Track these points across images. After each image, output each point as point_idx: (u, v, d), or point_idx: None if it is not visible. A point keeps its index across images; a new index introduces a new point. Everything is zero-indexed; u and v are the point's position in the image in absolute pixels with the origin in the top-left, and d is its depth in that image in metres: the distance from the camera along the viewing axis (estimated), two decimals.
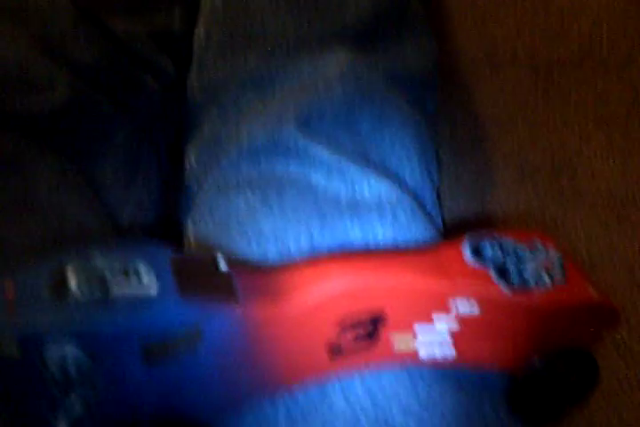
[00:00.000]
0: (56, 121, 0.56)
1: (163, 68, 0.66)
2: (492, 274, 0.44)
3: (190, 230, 0.54)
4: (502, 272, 0.44)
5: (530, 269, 0.45)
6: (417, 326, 0.43)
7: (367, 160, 0.56)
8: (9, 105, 0.55)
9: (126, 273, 0.37)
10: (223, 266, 0.40)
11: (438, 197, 0.62)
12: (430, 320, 0.43)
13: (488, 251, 0.45)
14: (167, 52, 0.67)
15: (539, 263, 0.45)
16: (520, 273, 0.44)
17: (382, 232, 0.50)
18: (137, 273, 0.37)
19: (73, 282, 0.36)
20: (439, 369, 0.46)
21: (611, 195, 0.86)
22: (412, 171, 0.58)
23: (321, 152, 0.54)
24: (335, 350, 0.42)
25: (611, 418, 0.70)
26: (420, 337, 0.44)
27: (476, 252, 0.45)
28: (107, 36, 0.63)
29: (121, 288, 0.36)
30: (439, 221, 0.59)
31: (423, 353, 0.44)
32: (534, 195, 0.87)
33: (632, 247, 0.81)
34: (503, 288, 0.43)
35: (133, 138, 0.62)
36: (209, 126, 0.61)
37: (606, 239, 0.83)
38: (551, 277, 0.45)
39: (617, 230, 0.83)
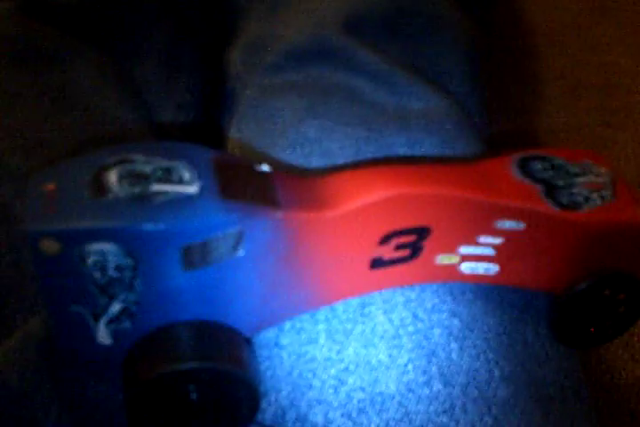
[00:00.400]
0: (95, 12, 0.55)
1: None
2: (541, 191, 0.42)
3: (233, 133, 0.53)
4: (551, 190, 0.43)
5: (579, 187, 0.43)
6: (461, 247, 0.42)
7: (415, 67, 0.54)
8: None
9: (168, 171, 0.36)
10: (266, 169, 0.39)
11: (486, 109, 0.60)
12: (476, 243, 0.42)
13: (537, 167, 0.44)
14: None
15: (589, 182, 0.44)
16: (569, 191, 0.43)
17: (429, 142, 0.49)
18: (178, 172, 0.36)
19: (113, 179, 0.36)
20: (481, 286, 0.45)
21: None
22: (461, 80, 0.57)
23: (367, 58, 0.52)
24: (376, 261, 0.41)
25: None
26: (462, 252, 0.43)
27: (525, 168, 0.44)
28: None
29: (161, 186, 0.35)
30: (486, 134, 0.57)
31: (465, 267, 0.43)
32: (585, 112, 0.85)
33: None
34: (551, 205, 0.42)
35: (175, 37, 0.61)
36: (253, 27, 0.59)
37: None
38: (601, 196, 0.43)
39: None
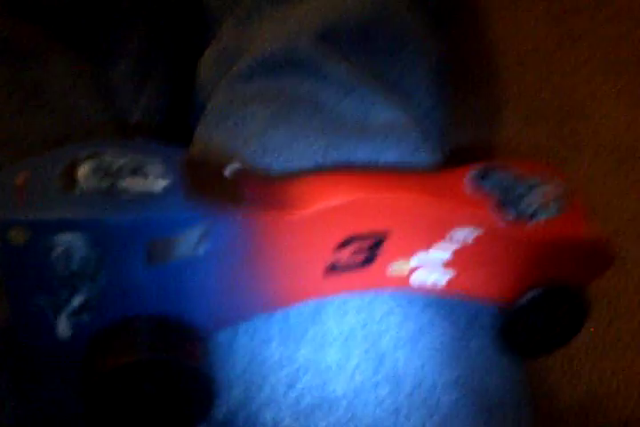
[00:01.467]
0: (74, 14, 0.56)
1: None
2: (493, 202, 0.44)
3: (198, 138, 0.54)
4: (503, 202, 0.44)
5: (531, 200, 0.45)
6: (415, 254, 0.44)
7: (380, 81, 0.56)
8: None
9: (135, 170, 0.37)
10: (231, 171, 0.40)
11: (448, 124, 0.61)
12: (428, 251, 0.44)
13: (492, 179, 0.46)
14: None
15: (541, 195, 0.45)
16: (520, 204, 0.44)
17: (390, 154, 0.51)
18: (145, 170, 0.37)
19: (84, 173, 0.37)
20: (430, 297, 0.46)
21: (618, 141, 0.87)
22: (424, 95, 0.58)
23: (335, 70, 0.54)
24: (331, 266, 0.43)
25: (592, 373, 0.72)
26: (413, 262, 0.44)
27: (482, 179, 0.46)
28: None
29: (130, 181, 0.36)
30: (446, 150, 0.59)
31: (415, 278, 0.45)
32: (543, 135, 0.87)
33: (636, 194, 0.82)
34: (501, 217, 0.43)
35: (148, 43, 0.62)
36: (225, 36, 0.60)
37: (611, 185, 0.83)
38: (551, 210, 0.45)
39: (621, 177, 0.83)
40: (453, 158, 0.55)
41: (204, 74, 0.60)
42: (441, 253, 0.44)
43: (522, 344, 0.48)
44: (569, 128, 0.88)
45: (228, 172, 0.41)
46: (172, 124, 0.62)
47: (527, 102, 0.89)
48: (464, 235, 0.43)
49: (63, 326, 0.38)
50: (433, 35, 0.62)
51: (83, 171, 0.37)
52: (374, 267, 0.43)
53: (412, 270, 0.44)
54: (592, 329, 0.72)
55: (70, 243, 0.35)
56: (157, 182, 0.37)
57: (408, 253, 0.44)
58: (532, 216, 0.44)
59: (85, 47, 0.57)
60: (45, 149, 0.46)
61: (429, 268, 0.44)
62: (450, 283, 0.45)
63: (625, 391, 0.72)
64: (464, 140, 0.82)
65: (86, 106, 0.54)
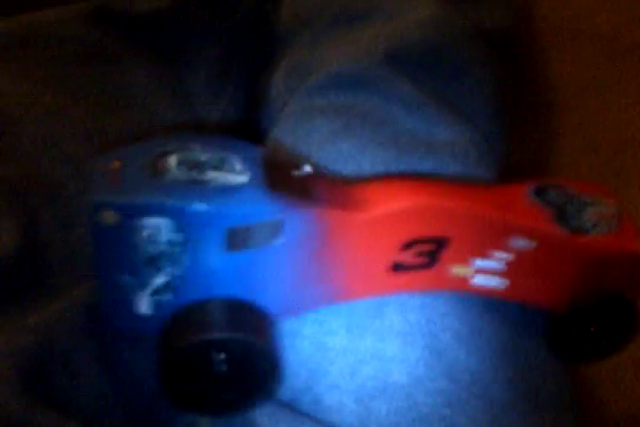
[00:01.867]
0: (158, 24, 0.60)
1: None
2: (552, 215, 0.46)
3: (272, 142, 0.57)
4: (562, 215, 0.47)
5: (588, 215, 0.47)
6: (475, 260, 0.46)
7: (445, 103, 0.58)
8: (118, 3, 0.58)
9: (221, 161, 0.40)
10: (307, 170, 0.43)
11: (507, 148, 0.64)
12: (489, 257, 0.46)
13: (551, 194, 0.48)
14: None
15: (597, 212, 0.47)
16: (579, 218, 0.47)
17: (453, 168, 0.53)
18: (231, 163, 0.40)
19: (173, 163, 0.39)
20: (490, 300, 0.48)
21: None
22: (486, 118, 0.61)
23: (403, 88, 0.56)
24: (397, 265, 0.45)
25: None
26: (473, 267, 0.46)
27: (540, 194, 0.48)
28: None
29: (215, 173, 0.39)
30: (502, 171, 0.61)
31: (476, 280, 0.47)
32: (596, 168, 0.89)
33: None
34: (560, 228, 0.46)
35: (226, 52, 0.65)
36: (298, 52, 0.63)
37: None
38: (607, 225, 0.47)
39: None
40: (511, 175, 0.57)
41: (275, 88, 0.64)
42: (499, 260, 0.46)
43: (572, 350, 0.49)
44: (621, 161, 0.89)
45: (301, 172, 0.43)
46: (247, 128, 0.66)
47: (582, 134, 0.91)
48: (521, 245, 0.45)
49: (145, 304, 0.41)
50: (495, 64, 0.64)
51: (172, 161, 0.40)
52: (436, 268, 0.46)
53: (473, 274, 0.46)
54: None
55: (157, 226, 0.38)
56: (240, 175, 0.40)
57: (468, 258, 0.46)
58: (588, 231, 0.46)
59: (166, 54, 0.61)
60: (129, 144, 0.50)
61: (488, 273, 0.47)
62: (508, 288, 0.47)
63: None
64: (522, 162, 0.84)
65: (167, 108, 0.58)
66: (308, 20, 0.65)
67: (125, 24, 0.58)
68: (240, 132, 0.65)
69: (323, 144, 0.53)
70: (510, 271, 0.47)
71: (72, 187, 0.49)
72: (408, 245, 0.44)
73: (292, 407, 0.45)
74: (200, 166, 0.40)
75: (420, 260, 0.45)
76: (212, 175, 0.39)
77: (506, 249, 0.46)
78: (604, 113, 0.93)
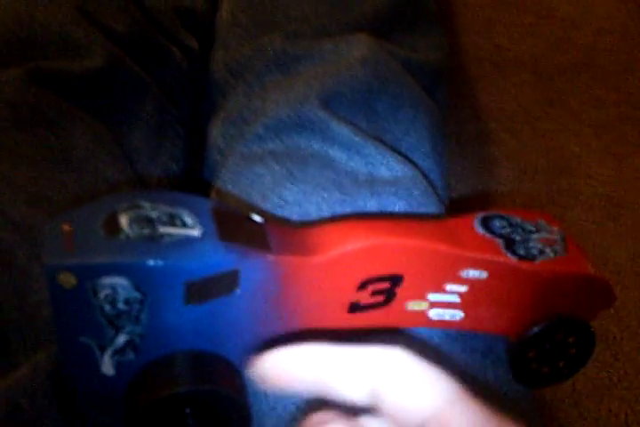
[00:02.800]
0: (92, 84, 0.60)
1: (187, 43, 0.70)
2: (501, 244, 0.47)
3: (216, 195, 0.57)
4: (509, 243, 0.48)
5: (535, 242, 0.48)
6: (430, 294, 0.47)
7: (382, 141, 0.60)
8: (52, 65, 0.58)
9: (172, 216, 0.40)
10: (258, 219, 0.44)
11: (446, 182, 0.65)
12: (443, 291, 0.47)
13: (496, 224, 0.49)
14: (191, 30, 0.71)
15: (543, 238, 0.49)
16: (526, 245, 0.48)
17: (398, 206, 0.54)
18: (181, 217, 0.41)
19: (124, 222, 0.40)
20: (447, 332, 0.49)
21: (606, 197, 0.91)
22: (424, 154, 0.62)
23: (341, 130, 0.57)
24: (354, 305, 0.46)
25: (600, 409, 0.74)
26: (430, 299, 0.47)
27: (486, 225, 0.49)
28: (136, 7, 0.67)
29: (167, 228, 0.40)
30: (446, 203, 0.62)
31: (433, 314, 0.48)
32: (534, 193, 0.91)
33: (626, 249, 0.86)
34: (509, 257, 0.47)
35: (161, 107, 0.66)
36: (233, 102, 0.64)
37: (601, 240, 0.87)
38: (554, 251, 0.48)
39: (611, 232, 0.87)
40: (454, 210, 0.59)
41: (214, 139, 0.64)
42: (454, 292, 0.47)
43: (531, 375, 0.50)
44: (562, 182, 0.92)
45: (254, 218, 0.44)
46: (188, 181, 0.66)
47: (520, 159, 0.93)
48: (474, 276, 0.46)
49: (107, 365, 0.41)
50: (426, 100, 0.66)
51: (123, 220, 0.40)
52: (393, 306, 0.46)
53: (429, 308, 0.47)
54: None
55: (115, 286, 0.38)
56: (192, 229, 0.40)
57: (423, 293, 0.47)
58: (535, 257, 0.47)
59: (103, 113, 0.61)
60: (75, 206, 0.50)
61: (444, 306, 0.47)
62: (464, 319, 0.48)
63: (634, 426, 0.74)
64: (462, 194, 0.86)
65: (108, 168, 0.58)
66: (240, 70, 0.66)
67: (60, 85, 0.58)
68: (183, 185, 0.66)
69: (267, 194, 0.54)
70: (465, 303, 0.47)
71: (21, 253, 0.49)
72: (363, 285, 0.45)
73: None
74: (151, 223, 0.40)
75: (376, 298, 0.46)
76: (164, 231, 0.39)
77: (459, 281, 0.46)
78: (535, 140, 0.96)
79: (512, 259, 0.47)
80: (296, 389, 0.39)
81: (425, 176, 0.59)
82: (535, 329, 0.48)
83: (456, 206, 0.60)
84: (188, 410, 0.40)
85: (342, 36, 0.64)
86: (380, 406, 0.36)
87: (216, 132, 0.64)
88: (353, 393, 0.37)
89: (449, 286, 0.47)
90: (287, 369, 0.39)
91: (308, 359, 0.38)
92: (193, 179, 0.66)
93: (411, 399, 0.36)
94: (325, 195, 0.54)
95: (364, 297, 0.46)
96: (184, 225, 0.40)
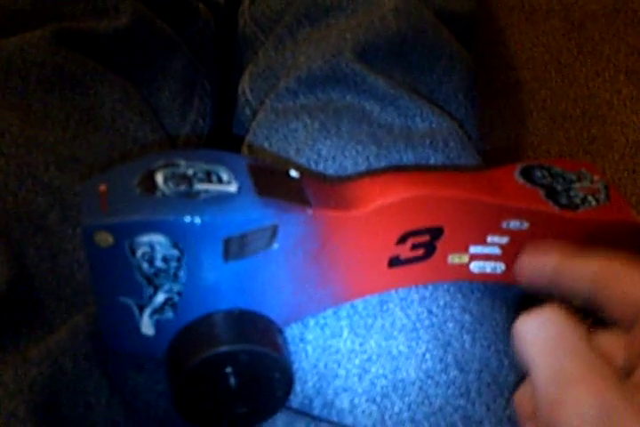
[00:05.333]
0: (120, 43, 0.59)
1: None
2: (542, 194, 0.46)
3: (249, 151, 0.56)
4: (551, 193, 0.47)
5: (576, 190, 0.47)
6: (471, 247, 0.46)
7: (418, 92, 0.58)
8: (78, 25, 0.57)
9: (208, 173, 0.40)
10: (294, 174, 0.43)
11: (479, 132, 0.64)
12: (484, 243, 0.46)
13: (537, 174, 0.48)
14: None
15: (584, 187, 0.48)
16: (567, 194, 0.47)
17: (434, 159, 0.53)
18: (217, 174, 0.40)
19: (160, 180, 0.39)
20: (488, 284, 0.48)
21: (639, 145, 0.89)
22: (458, 105, 0.61)
23: (376, 82, 0.56)
24: (394, 260, 0.45)
25: None
26: (471, 252, 0.46)
27: (527, 175, 0.48)
28: None
29: (204, 185, 0.39)
30: (481, 153, 0.61)
31: (473, 267, 0.47)
32: (565, 142, 0.89)
33: None
34: (552, 205, 0.46)
35: (190, 65, 0.65)
36: (264, 57, 0.63)
37: (635, 188, 0.85)
38: (596, 199, 0.47)
39: None
40: (487, 161, 0.58)
41: (244, 94, 0.63)
42: (495, 244, 0.46)
43: None
44: (594, 130, 0.90)
45: (291, 173, 0.43)
46: (218, 138, 0.65)
47: (551, 109, 0.92)
48: (515, 226, 0.45)
49: (147, 324, 0.40)
50: (460, 50, 0.65)
51: (159, 178, 0.39)
52: (433, 259, 0.46)
53: (470, 261, 0.46)
54: None
55: (152, 243, 0.38)
56: (228, 186, 0.39)
57: (463, 245, 0.46)
58: (578, 206, 0.46)
59: (130, 72, 0.60)
60: (105, 168, 0.49)
61: (485, 259, 0.46)
62: (505, 272, 0.47)
63: None
64: (495, 145, 0.84)
65: (137, 127, 0.57)
66: (270, 24, 0.64)
67: (86, 45, 0.57)
68: (212, 142, 0.65)
69: (301, 148, 0.53)
70: (506, 255, 0.47)
71: (53, 216, 0.48)
72: (403, 239, 0.44)
73: (304, 413, 0.45)
74: (188, 180, 0.39)
75: (416, 252, 0.45)
76: (200, 188, 0.39)
77: (500, 232, 0.46)
78: (566, 88, 0.94)
79: (554, 208, 0.46)
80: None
81: (461, 127, 0.58)
82: None
83: (489, 158, 0.59)
84: (229, 369, 0.40)
85: None
86: (600, 294, 0.36)
87: (246, 88, 0.63)
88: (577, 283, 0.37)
89: (490, 238, 0.46)
90: None
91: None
92: (223, 135, 0.65)
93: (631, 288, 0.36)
94: (360, 148, 0.53)
95: (404, 251, 0.45)
96: (220, 181, 0.39)
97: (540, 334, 0.34)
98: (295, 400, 0.45)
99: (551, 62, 0.96)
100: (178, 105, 0.63)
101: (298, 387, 0.45)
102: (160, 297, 0.40)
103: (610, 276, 0.37)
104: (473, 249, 0.46)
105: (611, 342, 0.36)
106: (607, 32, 0.99)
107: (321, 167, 0.52)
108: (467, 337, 0.46)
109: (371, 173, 0.51)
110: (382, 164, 0.52)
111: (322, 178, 0.51)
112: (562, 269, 0.39)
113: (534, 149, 0.89)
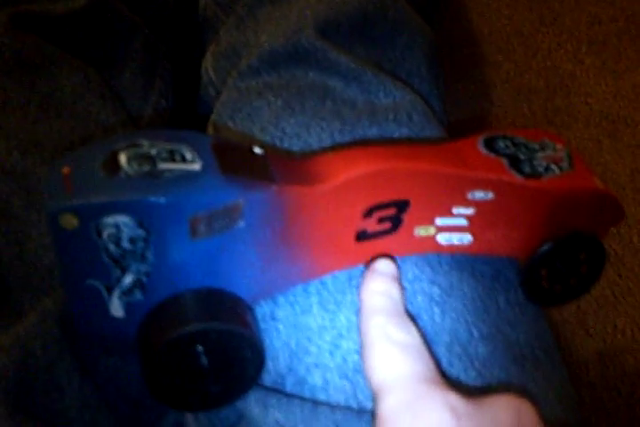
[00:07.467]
0: (77, 24, 0.58)
1: None
2: (505, 163, 0.46)
3: (214, 130, 0.56)
4: (514, 162, 0.47)
5: (540, 159, 0.47)
6: (437, 218, 0.46)
7: (380, 68, 0.58)
8: (34, 8, 0.56)
9: (171, 152, 0.39)
10: (259, 151, 0.43)
11: (443, 107, 0.64)
12: (450, 214, 0.46)
13: (500, 144, 0.48)
14: None
15: (548, 156, 0.48)
16: (531, 163, 0.47)
17: (399, 133, 0.53)
18: (181, 153, 0.40)
19: (124, 160, 0.39)
20: (456, 256, 0.48)
21: (603, 115, 0.89)
22: (422, 79, 0.61)
23: (338, 59, 0.56)
24: (361, 234, 0.45)
25: (606, 326, 0.74)
26: (438, 224, 0.46)
27: (490, 145, 0.48)
28: None
29: (167, 164, 0.39)
30: (446, 126, 0.61)
31: (440, 239, 0.47)
32: (530, 114, 0.90)
33: (623, 165, 0.85)
34: (515, 175, 0.46)
35: (149, 45, 0.64)
36: (225, 36, 0.63)
37: (599, 158, 0.86)
38: (559, 167, 0.47)
39: (609, 149, 0.86)
40: (453, 134, 0.58)
41: (210, 71, 0.63)
42: (461, 215, 0.46)
43: (543, 294, 0.50)
44: (559, 101, 0.90)
45: (255, 150, 0.43)
46: (181, 118, 0.65)
47: (515, 81, 0.92)
48: (481, 197, 0.46)
49: (116, 306, 0.40)
50: (422, 24, 0.64)
51: (122, 159, 0.39)
52: (400, 232, 0.46)
53: (437, 232, 0.46)
54: None
55: (118, 224, 0.38)
56: (191, 165, 0.39)
57: (430, 217, 0.46)
58: (542, 175, 0.47)
59: (90, 55, 0.60)
60: (69, 150, 0.49)
61: (452, 230, 0.47)
62: (473, 243, 0.47)
63: None
64: (459, 118, 0.85)
65: (99, 109, 0.56)
66: (230, 3, 0.64)
67: (43, 28, 0.57)
68: (176, 122, 0.65)
69: (265, 127, 0.53)
70: (473, 226, 0.47)
71: (17, 201, 0.48)
72: (369, 213, 0.44)
73: (277, 391, 0.45)
74: (151, 160, 0.39)
75: (383, 225, 0.45)
76: (164, 167, 0.39)
77: (466, 203, 0.46)
78: (530, 60, 0.94)
79: (518, 177, 0.46)
80: None
81: (424, 100, 0.58)
82: (545, 247, 0.48)
83: (454, 130, 0.59)
84: (200, 348, 0.40)
85: None
86: None
87: (209, 67, 0.63)
88: None
89: (456, 209, 0.46)
90: None
91: None
92: (188, 116, 0.65)
93: None
94: (325, 125, 0.52)
95: (371, 225, 0.45)
96: (184, 160, 0.39)
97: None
98: (267, 378, 0.45)
99: (514, 35, 0.96)
100: (139, 86, 0.62)
101: (270, 364, 0.45)
102: (128, 278, 0.40)
103: None
104: (439, 221, 0.46)
105: None
106: (568, 2, 0.99)
107: (286, 145, 0.52)
108: (436, 309, 0.46)
109: (335, 148, 0.51)
110: (347, 139, 0.52)
111: (286, 154, 0.51)
112: None
113: (499, 121, 0.89)
